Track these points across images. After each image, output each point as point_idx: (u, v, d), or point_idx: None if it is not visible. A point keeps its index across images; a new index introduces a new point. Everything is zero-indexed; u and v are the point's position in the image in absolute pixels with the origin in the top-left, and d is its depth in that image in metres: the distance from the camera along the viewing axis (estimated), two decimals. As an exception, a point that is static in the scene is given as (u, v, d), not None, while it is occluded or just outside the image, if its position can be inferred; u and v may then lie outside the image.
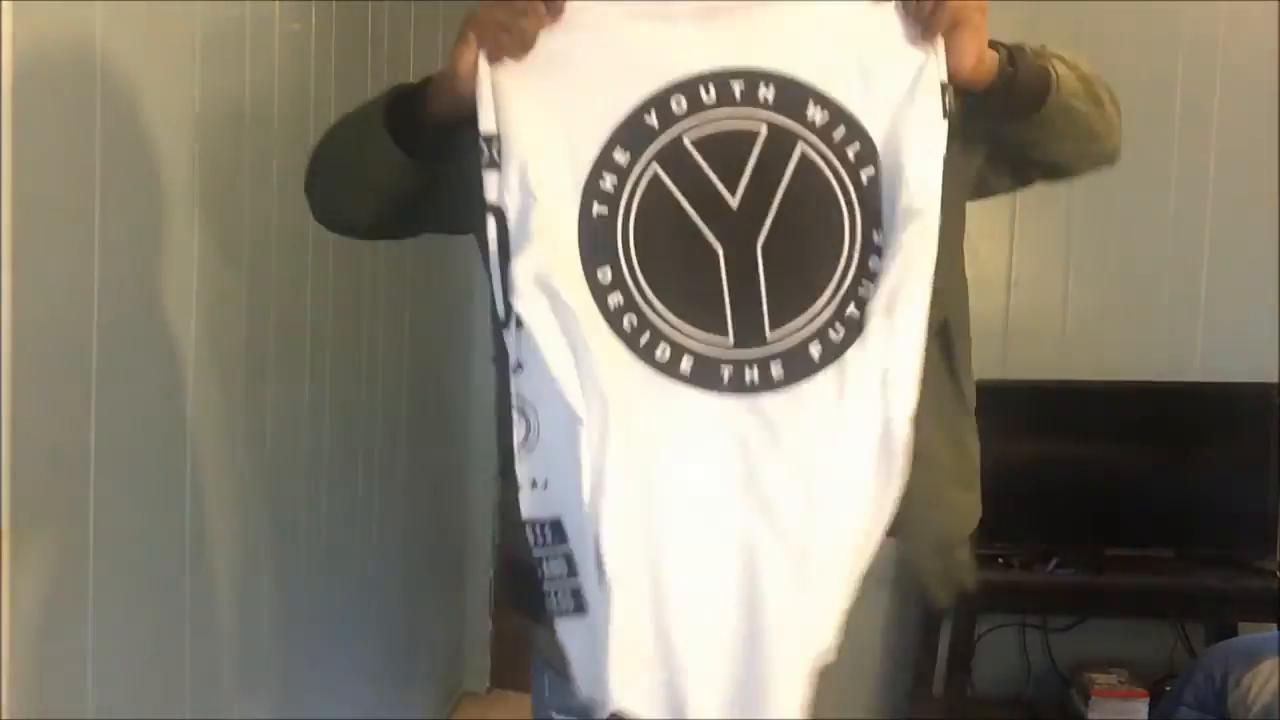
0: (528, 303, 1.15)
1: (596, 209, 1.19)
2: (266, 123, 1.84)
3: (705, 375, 1.18)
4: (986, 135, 1.29)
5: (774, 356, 1.18)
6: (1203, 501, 2.84)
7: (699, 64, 1.16)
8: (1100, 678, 2.82)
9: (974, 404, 1.34)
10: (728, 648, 1.15)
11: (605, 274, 1.18)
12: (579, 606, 1.18)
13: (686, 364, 1.18)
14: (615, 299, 1.18)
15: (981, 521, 1.34)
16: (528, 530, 1.17)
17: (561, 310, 1.16)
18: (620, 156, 1.18)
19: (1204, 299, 2.94)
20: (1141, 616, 2.93)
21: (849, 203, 1.18)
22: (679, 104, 1.17)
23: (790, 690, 1.14)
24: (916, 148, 1.16)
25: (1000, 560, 2.77)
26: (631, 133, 1.17)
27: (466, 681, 3.34)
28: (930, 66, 1.15)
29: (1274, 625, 2.47)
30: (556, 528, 1.17)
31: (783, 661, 1.14)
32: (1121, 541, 2.84)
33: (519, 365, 1.17)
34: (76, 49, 1.35)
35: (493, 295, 1.20)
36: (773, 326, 1.17)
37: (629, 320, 1.18)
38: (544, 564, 1.18)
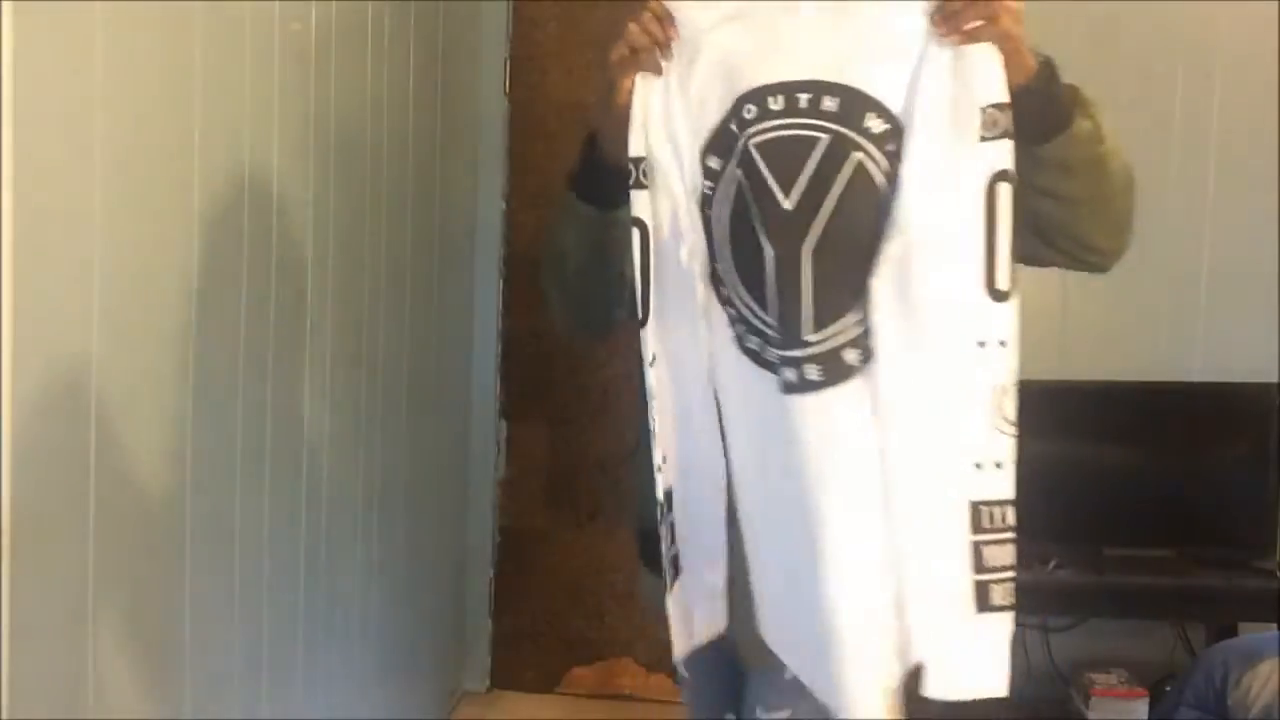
0: (671, 301, 1.29)
1: (707, 211, 1.29)
2: (267, 122, 1.84)
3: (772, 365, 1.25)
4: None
5: (810, 359, 1.21)
6: (1203, 501, 2.84)
7: (767, 76, 1.22)
8: (1100, 678, 2.82)
9: None
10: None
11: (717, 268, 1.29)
12: (675, 573, 1.32)
13: (770, 354, 1.26)
14: (725, 292, 1.28)
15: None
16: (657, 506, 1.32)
17: (690, 301, 1.28)
18: (713, 163, 1.27)
19: (1204, 299, 2.94)
20: (1141, 616, 2.93)
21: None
22: (749, 111, 1.23)
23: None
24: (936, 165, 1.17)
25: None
26: (721, 140, 1.26)
27: (466, 681, 3.33)
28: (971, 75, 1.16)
29: (1274, 625, 2.47)
30: (668, 499, 1.32)
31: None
32: (1121, 541, 2.84)
33: (653, 358, 1.30)
34: (77, 49, 1.35)
35: (634, 297, 1.30)
36: (816, 328, 1.20)
37: (730, 312, 1.28)
38: (661, 534, 1.33)
